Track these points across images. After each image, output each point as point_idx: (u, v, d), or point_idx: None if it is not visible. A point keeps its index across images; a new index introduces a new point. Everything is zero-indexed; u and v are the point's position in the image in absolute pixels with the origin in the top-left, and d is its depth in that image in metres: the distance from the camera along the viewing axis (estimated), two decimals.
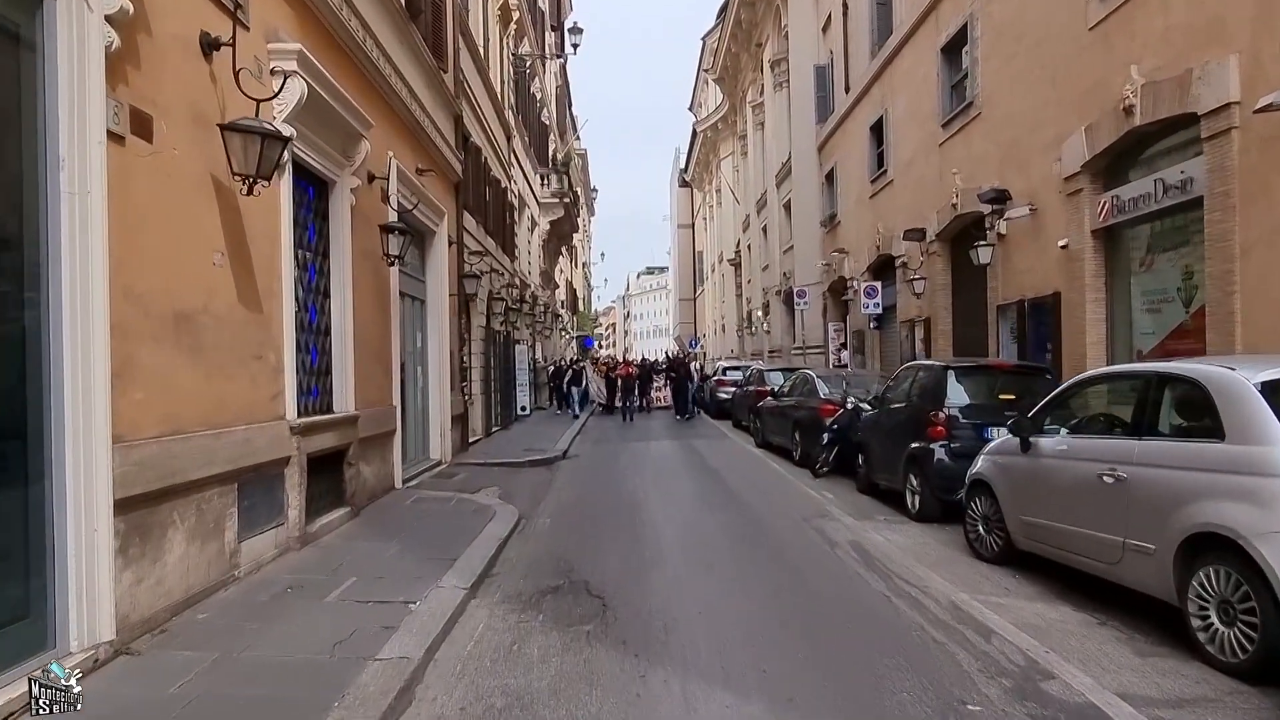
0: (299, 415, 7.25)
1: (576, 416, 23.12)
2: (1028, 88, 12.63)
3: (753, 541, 7.65)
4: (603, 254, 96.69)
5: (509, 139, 22.81)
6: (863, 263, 21.47)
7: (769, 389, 17.74)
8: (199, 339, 5.53)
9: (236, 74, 5.72)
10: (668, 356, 35.78)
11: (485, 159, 18.46)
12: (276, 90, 5.99)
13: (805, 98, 26.81)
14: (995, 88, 13.84)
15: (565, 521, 8.81)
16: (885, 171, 19.71)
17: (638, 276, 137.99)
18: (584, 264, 72.29)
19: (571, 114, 46.21)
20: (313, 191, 8.14)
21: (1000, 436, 7.68)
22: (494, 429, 18.88)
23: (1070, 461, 5.55)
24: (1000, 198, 13.26)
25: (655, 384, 28.83)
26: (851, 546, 7.26)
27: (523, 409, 22.99)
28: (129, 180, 4.78)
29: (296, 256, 7.68)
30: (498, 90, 20.77)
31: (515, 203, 23.80)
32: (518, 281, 24.01)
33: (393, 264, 9.58)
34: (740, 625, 5.20)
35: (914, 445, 8.43)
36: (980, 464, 6.79)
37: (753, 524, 8.45)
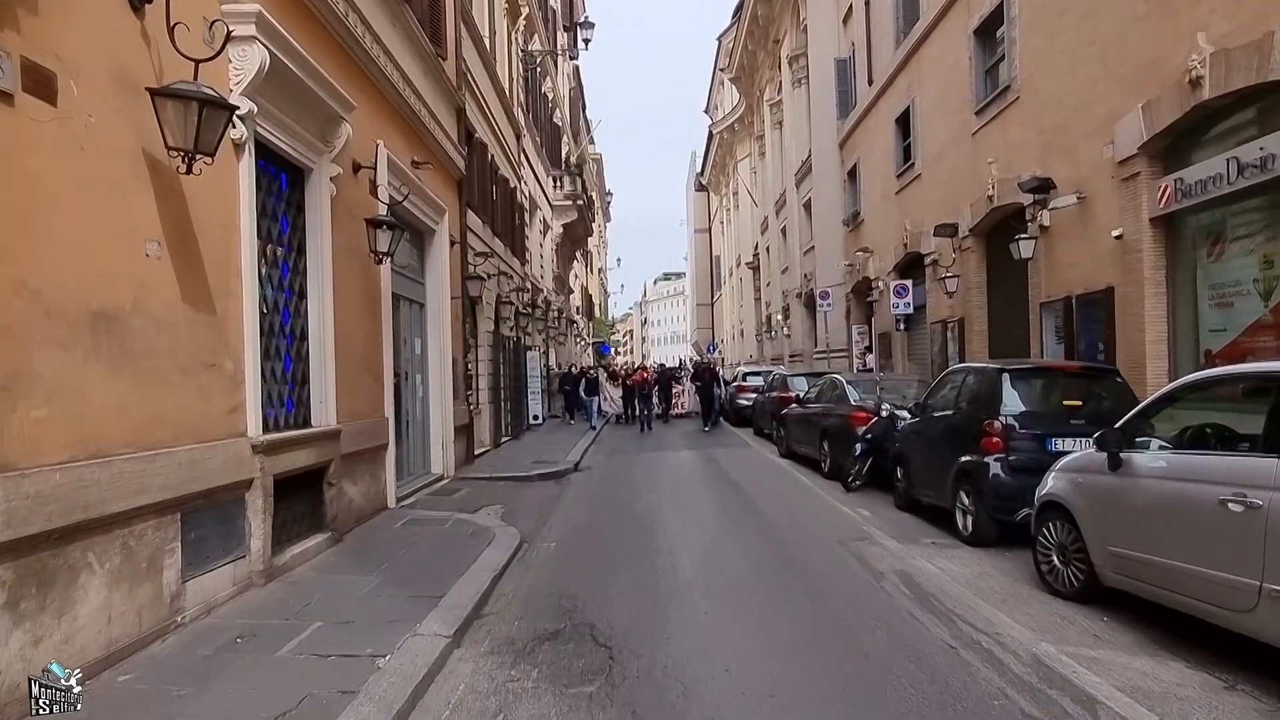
0: (265, 431, 6.37)
1: (594, 428, 21.76)
2: (1073, 67, 11.62)
3: (784, 572, 6.68)
4: (619, 259, 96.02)
5: (518, 138, 21.98)
6: (889, 262, 20.45)
7: (793, 395, 16.74)
8: (126, 345, 4.65)
9: (171, 29, 4.85)
10: (692, 362, 33.63)
11: (492, 156, 17.62)
12: (218, 49, 5.10)
13: (825, 93, 25.82)
14: (1035, 70, 12.83)
15: (572, 546, 7.87)
16: (912, 165, 18.70)
17: (654, 282, 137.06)
18: (600, 269, 71.45)
19: (585, 117, 45.43)
20: (285, 179, 7.27)
21: (1067, 448, 6.72)
22: (504, 439, 17.99)
23: (1178, 483, 4.55)
24: (1043, 187, 12.24)
25: (677, 390, 26.94)
26: (899, 578, 6.27)
27: (535, 418, 22.07)
28: (22, 150, 3.92)
29: (265, 252, 6.83)
30: (506, 86, 19.95)
31: (526, 204, 22.96)
32: (529, 285, 23.15)
33: (381, 262, 8.70)
34: (776, 691, 4.23)
35: (965, 459, 7.43)
36: (1053, 483, 5.79)
37: (782, 549, 7.48)
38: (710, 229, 66.07)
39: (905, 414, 10.18)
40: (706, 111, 57.61)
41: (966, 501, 7.37)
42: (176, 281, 5.19)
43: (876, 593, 5.94)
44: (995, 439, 7.07)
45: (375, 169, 8.81)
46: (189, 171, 4.91)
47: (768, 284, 38.79)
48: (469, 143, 15.55)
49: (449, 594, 5.95)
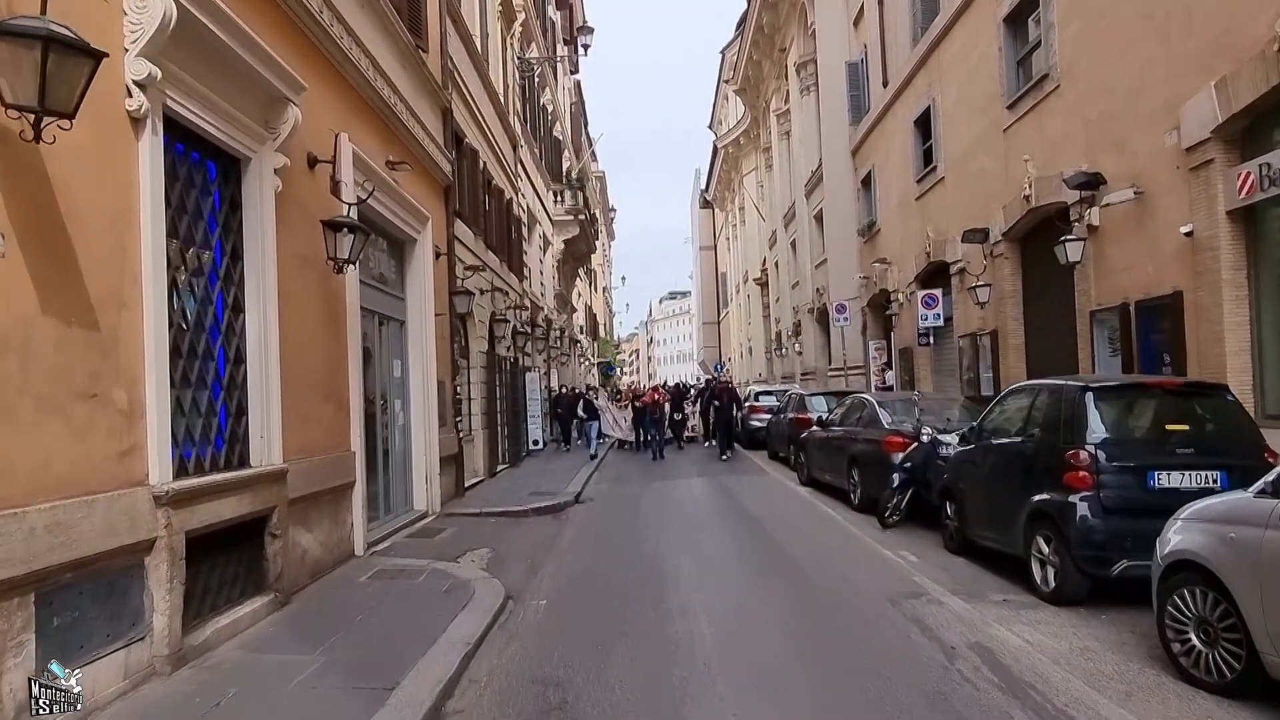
0: (177, 476, 5.11)
1: (594, 456, 19.19)
2: (1125, 48, 10.39)
3: (829, 646, 5.34)
4: (624, 278, 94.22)
5: (515, 148, 20.84)
6: (909, 272, 19.18)
7: (812, 417, 15.43)
8: None
9: None
10: (706, 380, 29.26)
11: (485, 165, 16.45)
12: None
13: (836, 98, 24.68)
14: (1078, 54, 11.61)
15: (566, 605, 6.56)
16: (934, 168, 17.48)
17: (660, 302, 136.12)
18: (604, 288, 70.36)
19: (587, 132, 44.44)
20: (214, 169, 6.05)
21: (1174, 483, 5.41)
22: (500, 467, 16.68)
23: None
24: (1092, 183, 10.98)
25: (686, 411, 24.11)
26: (978, 655, 4.93)
27: (535, 443, 20.73)
28: None
29: (185, 256, 5.60)
30: (501, 93, 18.82)
31: (523, 218, 21.79)
32: (528, 303, 21.93)
33: (341, 270, 7.46)
34: None
35: (1040, 497, 6.12)
36: (1185, 536, 4.47)
37: (821, 610, 6.13)
38: (716, 246, 64.92)
39: (949, 439, 8.88)
40: (710, 127, 56.62)
41: (1045, 550, 6.03)
42: (34, 287, 3.95)
43: (952, 679, 4.60)
44: (1081, 473, 5.74)
45: (336, 164, 7.59)
46: (37, 139, 3.69)
47: (777, 300, 37.56)
48: (458, 148, 14.37)
49: (404, 683, 4.66)
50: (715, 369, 38.34)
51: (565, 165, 32.80)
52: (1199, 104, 8.88)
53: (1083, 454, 5.78)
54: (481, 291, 15.49)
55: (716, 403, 20.39)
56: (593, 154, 44.08)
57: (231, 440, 6.06)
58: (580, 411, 22.03)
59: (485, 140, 16.63)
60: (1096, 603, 5.80)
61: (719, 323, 64.83)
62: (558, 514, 11.65)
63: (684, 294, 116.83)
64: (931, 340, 16.86)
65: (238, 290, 6.23)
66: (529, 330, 20.34)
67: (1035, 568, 6.15)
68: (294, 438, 6.75)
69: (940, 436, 8.95)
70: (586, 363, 47.81)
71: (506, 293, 17.44)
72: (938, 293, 15.14)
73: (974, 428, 7.75)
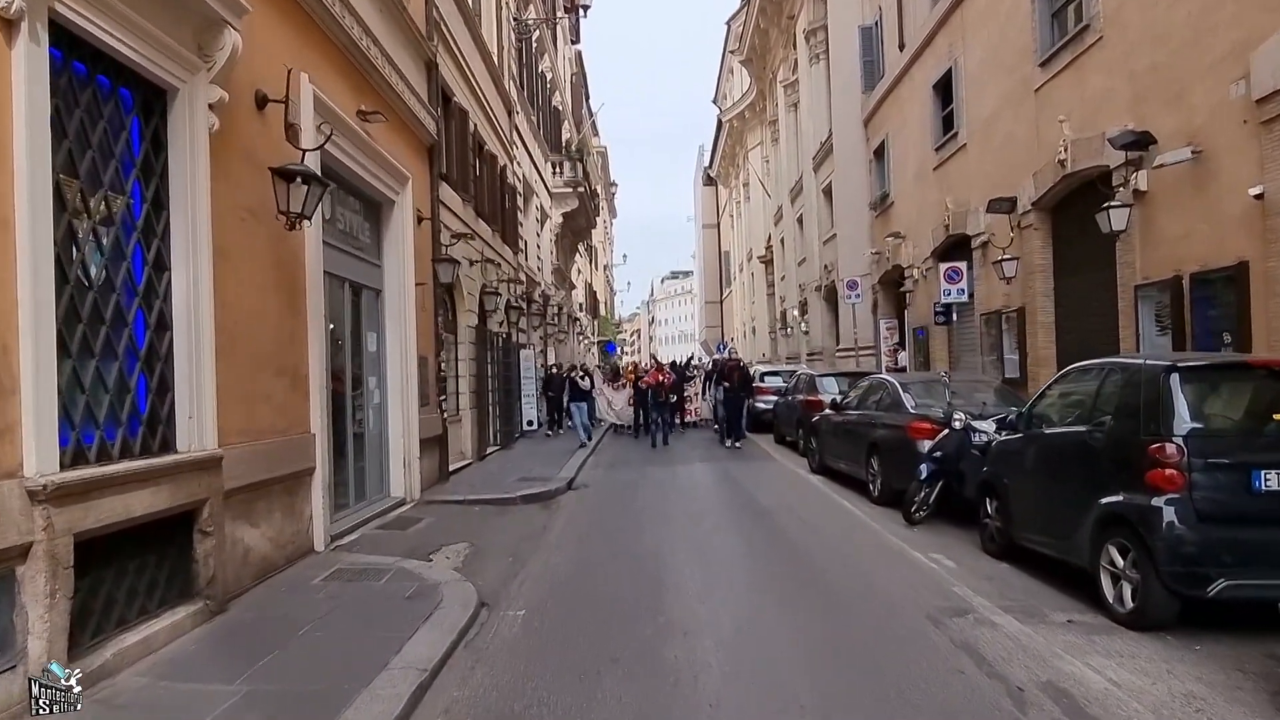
0: (69, 465, 4.17)
1: (584, 444, 16.84)
2: None
3: (865, 683, 4.31)
4: (625, 255, 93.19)
5: (510, 114, 19.75)
6: (925, 247, 18.16)
7: (823, 399, 14.47)
8: None
9: None
10: (714, 360, 25.49)
11: (476, 128, 15.39)
12: None
13: (848, 66, 23.53)
14: (1124, 1, 10.54)
15: (548, 618, 5.61)
16: (955, 135, 16.40)
17: (662, 281, 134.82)
18: (605, 266, 69.20)
19: (588, 105, 43.16)
20: (129, 99, 5.05)
21: None
22: (490, 450, 15.75)
23: None
24: (1140, 142, 9.94)
25: (689, 393, 21.89)
26: (1053, 701, 3.90)
27: (529, 423, 19.69)
28: None
29: (90, 199, 4.63)
30: (494, 53, 17.71)
31: (519, 187, 20.72)
32: (523, 277, 20.91)
33: (295, 227, 6.46)
34: None
35: (1113, 498, 5.13)
36: None
37: (848, 630, 5.12)
38: (719, 224, 63.71)
39: (984, 426, 7.92)
40: (715, 102, 55.25)
41: (1119, 562, 5.04)
42: None
43: None
44: (1169, 471, 4.75)
45: (290, 105, 6.57)
46: None
47: (782, 278, 36.50)
48: (445, 107, 13.33)
49: None
50: (717, 348, 37.22)
51: (565, 137, 31.66)
52: (1274, 48, 7.85)
53: (1170, 448, 4.78)
54: (471, 262, 14.50)
55: (725, 384, 17.85)
56: (594, 126, 42.86)
57: (151, 422, 5.10)
58: (566, 397, 19.72)
59: (476, 102, 15.56)
60: (1187, 629, 4.82)
61: (721, 302, 63.75)
62: (548, 502, 10.72)
63: (686, 274, 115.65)
64: (955, 317, 15.83)
65: (161, 244, 5.24)
66: (523, 305, 19.31)
67: (1106, 583, 5.17)
68: (234, 418, 5.80)
69: (974, 423, 7.98)
70: (586, 341, 46.81)
71: (498, 264, 16.44)
72: (962, 265, 14.10)
73: (1022, 414, 6.75)
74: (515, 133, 20.47)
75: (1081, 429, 5.65)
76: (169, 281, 5.26)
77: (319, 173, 6.90)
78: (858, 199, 23.37)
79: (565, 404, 19.83)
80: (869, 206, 22.85)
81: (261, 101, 6.39)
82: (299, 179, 6.29)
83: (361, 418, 9.39)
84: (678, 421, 20.86)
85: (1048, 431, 6.29)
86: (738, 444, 17.02)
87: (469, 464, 13.86)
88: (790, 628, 5.21)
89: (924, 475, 8.08)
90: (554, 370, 22.22)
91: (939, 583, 6.11)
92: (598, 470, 14.11)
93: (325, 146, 7.34)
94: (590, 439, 17.46)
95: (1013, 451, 6.70)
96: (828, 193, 26.68)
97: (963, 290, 13.78)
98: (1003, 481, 6.74)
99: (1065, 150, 11.82)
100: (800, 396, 15.02)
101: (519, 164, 20.94)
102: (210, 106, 5.50)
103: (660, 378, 18.92)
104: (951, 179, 16.73)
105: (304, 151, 6.66)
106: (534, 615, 5.66)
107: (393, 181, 9.94)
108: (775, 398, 18.62)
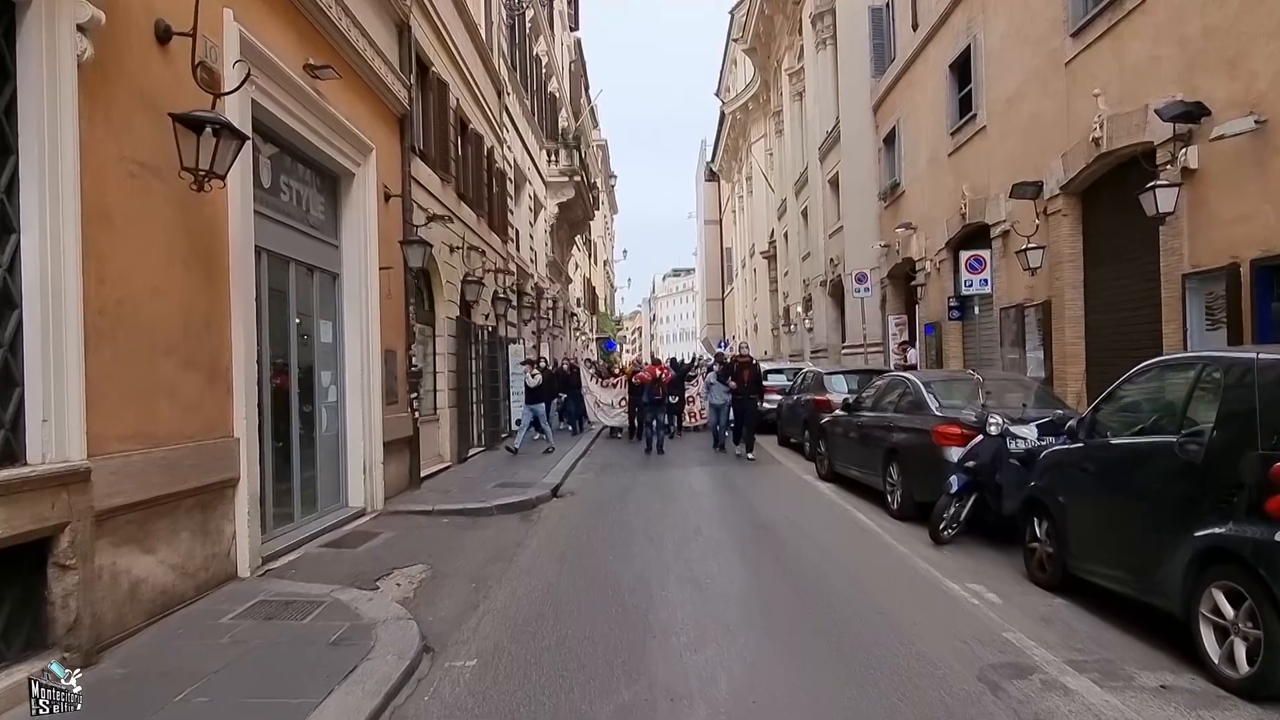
0: None
1: (550, 450, 15.11)
2: None
3: None
4: (625, 251, 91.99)
5: (500, 94, 18.63)
6: (938, 238, 17.06)
7: (831, 398, 13.38)
8: None
9: None
10: (722, 359, 21.23)
11: (459, 103, 14.28)
12: None
13: (857, 50, 22.40)
14: None
15: (502, 672, 4.50)
16: (974, 117, 15.28)
17: (663, 279, 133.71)
18: (605, 262, 67.96)
19: (587, 95, 41.99)
20: None
21: None
22: (473, 451, 14.66)
23: None
24: (1191, 114, 8.84)
25: (690, 393, 19.35)
26: None
27: (518, 423, 18.39)
28: None
29: None
30: (480, 27, 16.59)
31: (509, 172, 19.60)
32: (513, 268, 19.80)
33: (204, 188, 5.32)
34: None
35: (1216, 529, 3.92)
36: None
37: (883, 700, 3.96)
38: (721, 220, 62.62)
39: (1025, 433, 6.83)
40: (717, 94, 54.09)
41: (1228, 612, 3.89)
42: None
43: None
44: None
45: (195, 37, 5.43)
46: None
47: (785, 273, 35.39)
48: (422, 77, 12.27)
49: None
50: (719, 345, 36.06)
51: (562, 126, 30.52)
52: None
53: None
54: (452, 248, 13.41)
55: (733, 383, 14.93)
56: (593, 115, 41.73)
57: None
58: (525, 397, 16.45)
59: (460, 75, 14.44)
60: None
61: (723, 299, 62.63)
62: (528, 513, 9.62)
63: (688, 271, 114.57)
64: (976, 311, 14.72)
65: (5, 200, 4.14)
66: (508, 296, 18.13)
67: (1208, 636, 4.03)
68: (120, 421, 4.72)
69: (1013, 429, 6.88)
70: (583, 337, 45.69)
71: (484, 252, 15.32)
72: (985, 254, 12.96)
73: (1084, 419, 5.63)
74: (506, 115, 19.36)
75: (1168, 439, 4.53)
76: (16, 246, 4.16)
77: (245, 128, 5.80)
78: (866, 189, 22.27)
79: (558, 402, 18.34)
80: (878, 197, 21.75)
81: (164, 34, 5.28)
82: (209, 128, 5.18)
83: (312, 418, 8.30)
84: (677, 424, 18.76)
85: (1118, 442, 5.16)
86: (750, 454, 14.32)
87: (447, 468, 12.76)
88: (805, 694, 4.08)
89: (954, 488, 6.96)
90: (540, 364, 18.16)
91: (986, 625, 4.99)
92: (587, 475, 13.00)
93: (267, 106, 6.30)
94: (520, 447, 15.21)
95: (1070, 464, 5.57)
96: (834, 183, 25.58)
97: (985, 281, 12.66)
98: (1056, 500, 5.62)
99: (1100, 127, 10.72)
100: (807, 396, 13.86)
101: (509, 148, 19.83)
102: (80, 29, 4.38)
103: (657, 373, 16.53)
104: (968, 165, 15.62)
105: (216, 97, 5.54)
106: (487, 668, 4.55)
107: (353, 151, 8.84)
108: (779, 397, 17.48)
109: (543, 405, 15.73)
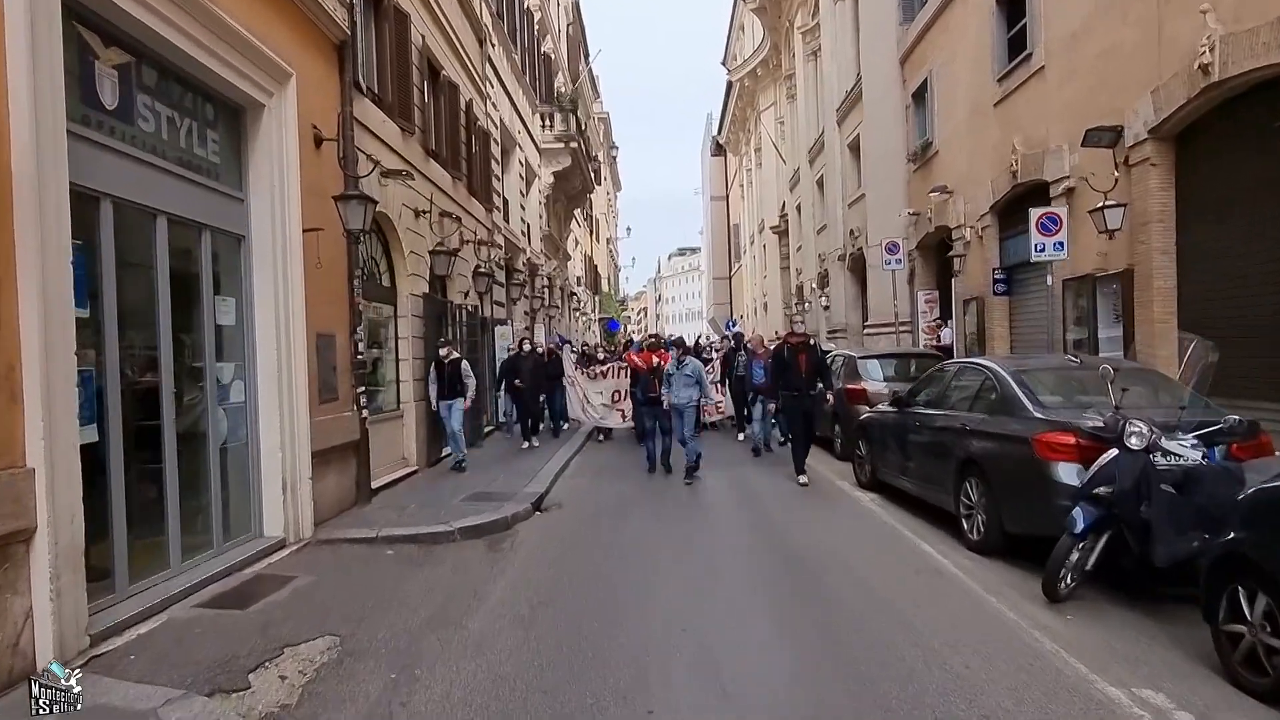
0: None
1: (530, 445, 13.41)
2: None
3: None
4: (629, 228, 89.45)
5: (481, 43, 16.46)
6: (981, 202, 14.94)
7: (867, 388, 11.33)
8: None
9: None
10: (735, 336, 17.61)
11: (425, 42, 12.15)
12: None
13: None
14: None
15: None
16: (1028, 57, 13.12)
17: (669, 258, 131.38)
18: (608, 240, 65.66)
19: (586, 59, 39.59)
20: None
21: None
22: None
23: None
24: None
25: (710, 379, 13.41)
26: None
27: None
28: None
29: None
30: None
31: (493, 132, 17.44)
32: (500, 240, 17.72)
33: None
34: None
35: None
36: None
37: None
38: (728, 195, 60.26)
39: (1183, 448, 4.79)
40: (724, 63, 51.60)
41: None
42: None
43: None
44: None
45: None
46: None
47: (798, 248, 33.23)
48: (377, 4, 10.15)
49: None
50: (726, 325, 33.92)
51: (559, 90, 28.28)
52: None
53: None
54: (419, 212, 11.33)
55: (786, 374, 10.05)
56: (594, 83, 39.42)
57: None
58: (502, 389, 14.73)
59: (426, 9, 12.29)
60: None
61: (730, 278, 60.40)
62: (498, 537, 7.62)
63: (694, 250, 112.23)
64: (1005, 289, 12.59)
65: None
66: (493, 272, 15.98)
67: None
68: None
69: (1164, 443, 4.82)
70: (585, 318, 43.59)
71: (459, 219, 13.21)
72: (1059, 214, 10.82)
73: None
74: (490, 67, 17.19)
75: None
76: None
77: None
78: (892, 152, 20.10)
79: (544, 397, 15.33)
80: (906, 159, 19.58)
81: None
82: None
83: (202, 426, 6.27)
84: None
85: None
86: (802, 477, 9.89)
87: (412, 473, 10.76)
88: None
89: (1079, 526, 4.90)
90: (526, 349, 14.77)
91: None
92: (581, 480, 10.94)
93: None
94: (465, 462, 11.27)
95: None
96: (854, 148, 23.39)
97: (1060, 244, 10.50)
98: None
99: (1209, 51, 8.60)
100: (838, 385, 11.68)
101: (494, 105, 17.67)
102: None
103: (654, 360, 11.79)
104: (1020, 114, 13.47)
105: None
106: None
107: (261, 76, 6.77)
108: None
109: (459, 401, 11.11)
